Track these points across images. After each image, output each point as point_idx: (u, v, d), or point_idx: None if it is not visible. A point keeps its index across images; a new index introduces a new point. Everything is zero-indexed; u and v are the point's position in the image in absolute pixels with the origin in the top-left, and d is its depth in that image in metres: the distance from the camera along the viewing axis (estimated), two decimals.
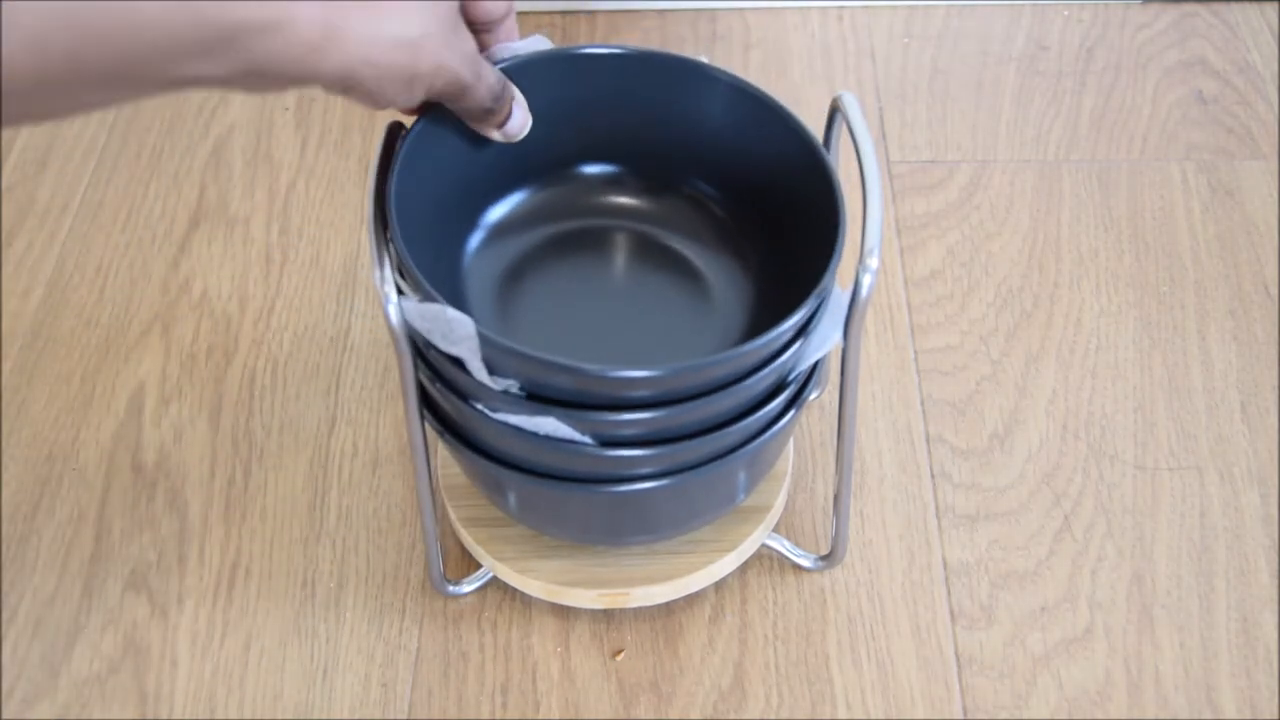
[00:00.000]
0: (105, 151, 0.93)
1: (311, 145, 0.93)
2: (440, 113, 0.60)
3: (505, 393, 0.54)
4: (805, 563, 0.70)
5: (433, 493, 0.64)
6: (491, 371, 0.53)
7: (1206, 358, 0.80)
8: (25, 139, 0.94)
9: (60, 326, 0.82)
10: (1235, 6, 1.03)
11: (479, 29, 0.58)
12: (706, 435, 0.56)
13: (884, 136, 0.93)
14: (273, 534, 0.72)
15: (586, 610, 0.69)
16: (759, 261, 0.65)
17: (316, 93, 0.97)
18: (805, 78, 0.98)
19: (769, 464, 0.65)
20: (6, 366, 0.80)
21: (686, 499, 0.61)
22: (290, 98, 0.96)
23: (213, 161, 0.92)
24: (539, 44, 0.62)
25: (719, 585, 0.70)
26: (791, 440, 0.71)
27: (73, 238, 0.87)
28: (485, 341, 0.52)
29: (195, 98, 0.97)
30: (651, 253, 0.67)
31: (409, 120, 0.59)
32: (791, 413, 0.60)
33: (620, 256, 0.67)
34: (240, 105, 0.96)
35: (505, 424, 0.55)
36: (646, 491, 0.58)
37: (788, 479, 0.70)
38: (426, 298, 0.53)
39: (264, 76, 0.45)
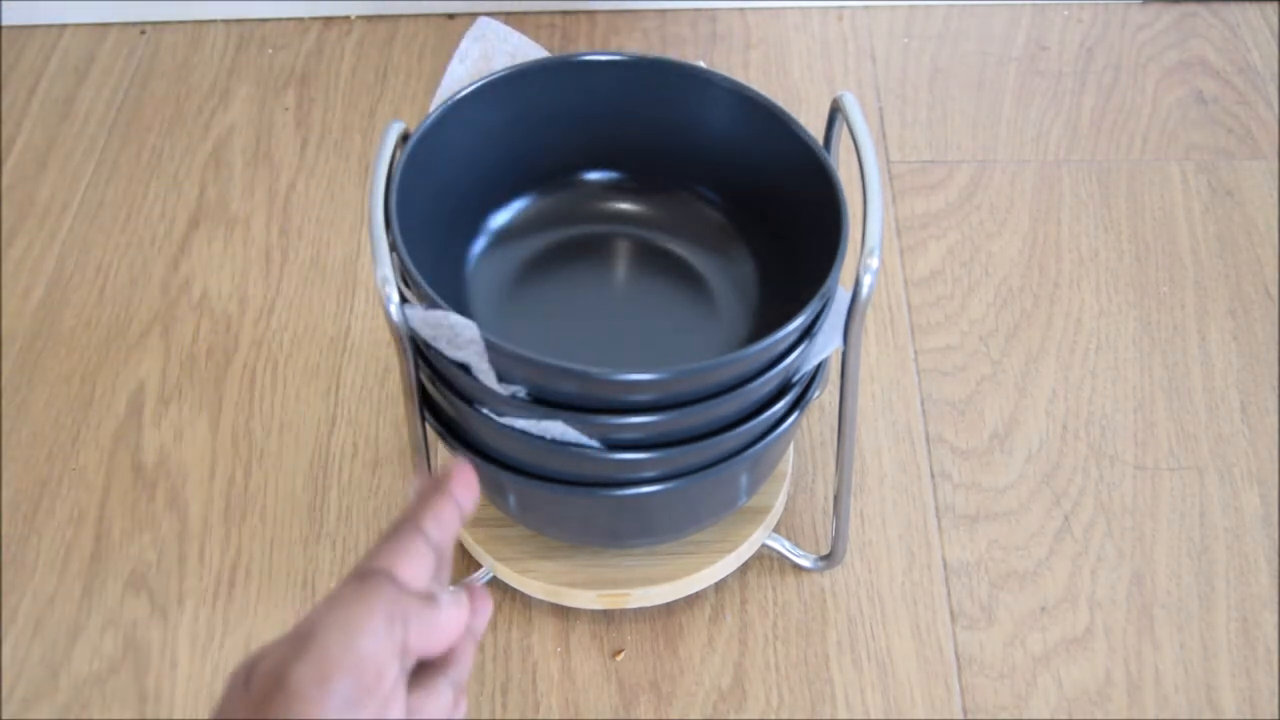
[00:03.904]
0: (105, 151, 0.93)
1: (311, 145, 0.93)
2: (443, 118, 0.60)
3: (512, 397, 0.54)
4: (805, 563, 0.70)
5: None
6: (496, 376, 0.53)
7: (1206, 358, 0.80)
8: (25, 139, 0.94)
9: (60, 326, 0.82)
10: (1235, 6, 1.03)
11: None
12: (711, 438, 0.56)
13: (884, 136, 0.93)
14: (273, 534, 0.72)
15: (586, 610, 0.69)
16: (761, 264, 0.65)
17: (316, 93, 0.97)
18: (805, 78, 0.98)
19: (771, 466, 0.65)
20: (6, 366, 0.80)
21: (689, 502, 0.61)
22: (290, 98, 0.96)
23: (213, 161, 0.92)
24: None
25: (719, 585, 0.70)
26: (792, 441, 0.71)
27: (73, 238, 0.87)
28: (490, 346, 0.52)
29: (195, 97, 0.97)
30: (654, 257, 0.67)
31: (411, 124, 0.59)
32: (795, 415, 0.60)
33: (623, 262, 0.67)
34: (240, 105, 0.96)
35: (511, 428, 0.55)
36: (650, 495, 0.58)
37: (788, 480, 0.70)
38: (431, 304, 0.53)
39: None
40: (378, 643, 0.41)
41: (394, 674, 0.41)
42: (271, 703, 0.39)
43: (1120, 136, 0.93)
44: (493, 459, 0.58)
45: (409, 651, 0.42)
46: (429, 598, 0.43)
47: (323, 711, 0.39)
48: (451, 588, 0.45)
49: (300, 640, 0.40)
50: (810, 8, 1.03)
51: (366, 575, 0.42)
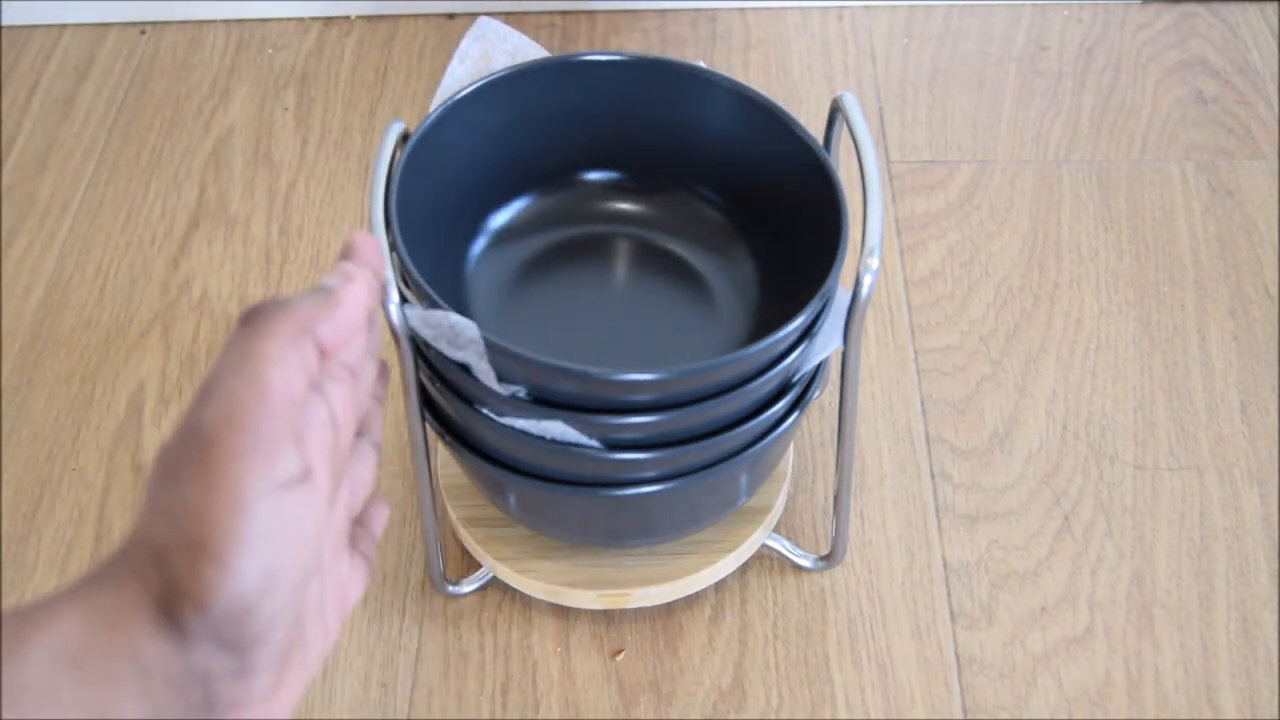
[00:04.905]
0: (105, 151, 0.93)
1: (311, 145, 0.93)
2: (443, 118, 0.60)
3: (512, 397, 0.54)
4: (805, 563, 0.70)
5: (433, 493, 0.64)
6: (496, 376, 0.53)
7: (1206, 358, 0.80)
8: (25, 139, 0.94)
9: (60, 326, 0.82)
10: (1235, 6, 1.03)
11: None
12: (711, 438, 0.56)
13: (884, 136, 0.93)
14: None
15: (586, 610, 0.69)
16: (761, 264, 0.65)
17: (317, 93, 0.97)
18: (805, 78, 0.98)
19: (770, 466, 0.65)
20: (6, 366, 0.80)
21: (689, 502, 0.61)
22: (290, 98, 0.96)
23: (213, 161, 0.92)
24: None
25: (719, 585, 0.70)
26: (792, 441, 0.71)
27: (73, 238, 0.87)
28: (490, 346, 0.52)
29: (195, 97, 0.97)
30: (654, 257, 0.67)
31: (411, 124, 0.59)
32: (795, 415, 0.60)
33: (623, 262, 0.67)
34: (240, 105, 0.96)
35: (511, 428, 0.55)
36: (650, 495, 0.58)
37: (788, 479, 0.70)
38: (431, 304, 0.53)
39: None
40: (286, 370, 0.38)
41: (301, 390, 0.39)
42: (184, 456, 0.36)
43: (1120, 136, 0.93)
44: (493, 459, 0.58)
45: (326, 351, 0.41)
46: (318, 291, 0.41)
47: (242, 457, 0.36)
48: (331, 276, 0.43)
49: (203, 391, 0.37)
50: (810, 8, 1.03)
51: (249, 315, 0.39)
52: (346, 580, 0.44)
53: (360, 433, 0.46)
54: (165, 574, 0.35)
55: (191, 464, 0.36)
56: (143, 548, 0.36)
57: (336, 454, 0.41)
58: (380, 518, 0.48)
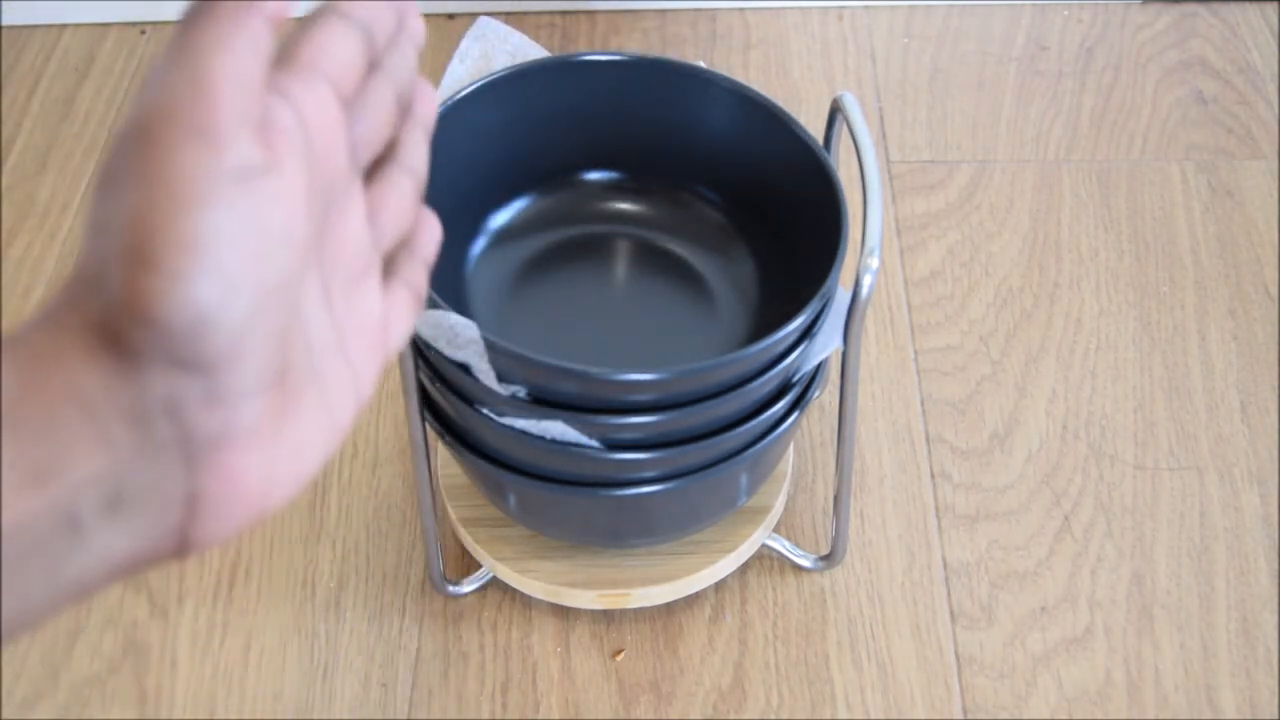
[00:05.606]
0: (105, 151, 0.93)
1: None
2: (443, 118, 0.60)
3: (512, 397, 0.54)
4: (805, 563, 0.70)
5: (433, 493, 0.64)
6: (496, 376, 0.53)
7: (1206, 358, 0.80)
8: (25, 139, 0.94)
9: None
10: (1235, 6, 1.03)
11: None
12: (711, 438, 0.56)
13: (884, 136, 0.93)
14: (273, 534, 0.72)
15: (586, 610, 0.69)
16: (761, 264, 0.65)
17: None
18: (805, 78, 0.98)
19: (770, 467, 0.65)
20: None
21: (689, 502, 0.61)
22: None
23: None
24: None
25: (719, 585, 0.70)
26: (792, 441, 0.71)
27: (73, 238, 0.87)
28: (490, 346, 0.52)
29: None
30: (654, 257, 0.67)
31: None
32: (795, 415, 0.60)
33: (623, 262, 0.67)
34: None
35: (511, 428, 0.55)
36: (650, 495, 0.58)
37: (788, 480, 0.70)
38: (431, 304, 0.53)
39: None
40: (232, 55, 0.31)
41: (256, 74, 0.32)
42: (119, 161, 0.30)
43: (1120, 136, 0.93)
44: (493, 459, 0.58)
45: (279, 26, 0.33)
46: None
47: (183, 146, 0.30)
48: None
49: (137, 94, 0.31)
50: (810, 8, 1.03)
51: (183, 16, 0.32)
52: (377, 311, 0.37)
53: (390, 158, 0.39)
54: (104, 295, 0.30)
55: (128, 165, 0.30)
56: (79, 278, 0.31)
57: (318, 168, 0.34)
58: (429, 238, 0.40)
